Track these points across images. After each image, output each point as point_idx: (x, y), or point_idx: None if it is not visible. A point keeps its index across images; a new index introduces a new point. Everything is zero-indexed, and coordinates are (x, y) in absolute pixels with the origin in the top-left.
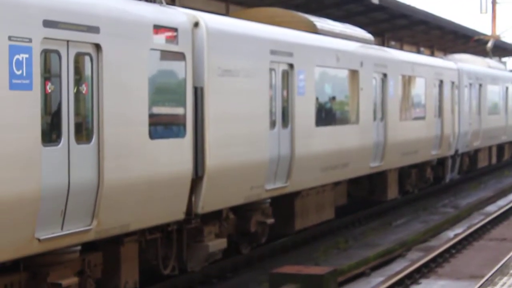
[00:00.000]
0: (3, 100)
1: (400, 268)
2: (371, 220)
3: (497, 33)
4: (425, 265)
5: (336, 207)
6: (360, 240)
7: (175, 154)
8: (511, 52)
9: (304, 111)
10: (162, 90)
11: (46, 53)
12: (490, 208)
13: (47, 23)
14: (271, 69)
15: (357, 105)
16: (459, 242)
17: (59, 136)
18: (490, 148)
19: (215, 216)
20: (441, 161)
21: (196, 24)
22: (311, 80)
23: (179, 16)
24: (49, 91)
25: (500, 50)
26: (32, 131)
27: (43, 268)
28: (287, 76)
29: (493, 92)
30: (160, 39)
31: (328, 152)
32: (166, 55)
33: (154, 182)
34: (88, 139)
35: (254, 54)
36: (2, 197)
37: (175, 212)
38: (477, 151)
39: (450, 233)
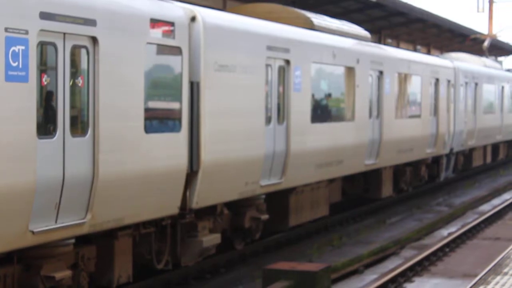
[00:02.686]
0: None
1: (393, 266)
2: (365, 217)
3: (494, 32)
4: (419, 263)
5: (330, 204)
6: (354, 238)
7: (170, 148)
8: (507, 52)
9: (300, 107)
10: (158, 84)
11: (42, 45)
12: (484, 207)
13: (44, 15)
14: (267, 65)
15: (353, 102)
16: (453, 240)
17: (54, 129)
18: (485, 147)
19: (209, 211)
20: (436, 160)
21: (193, 19)
22: (307, 76)
23: (176, 10)
24: (45, 83)
25: (497, 49)
26: (28, 123)
27: (37, 261)
28: (283, 72)
29: (489, 91)
30: (156, 33)
31: (323, 149)
32: (162, 49)
33: (149, 176)
34: (83, 132)
35: (250, 50)
36: None
37: (170, 206)
38: (472, 150)
39: (444, 232)
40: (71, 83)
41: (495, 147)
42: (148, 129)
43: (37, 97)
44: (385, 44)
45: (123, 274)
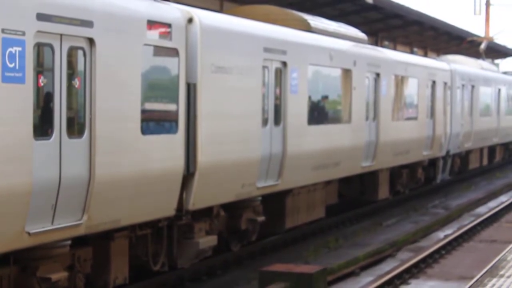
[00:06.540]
0: None
1: (389, 268)
2: (361, 219)
3: (490, 35)
4: (415, 265)
5: (327, 206)
6: (350, 240)
7: (167, 150)
8: (504, 54)
9: (297, 109)
10: (155, 86)
11: (39, 47)
12: (481, 209)
13: (41, 17)
14: (264, 67)
15: (349, 105)
16: (449, 243)
17: (51, 130)
18: (481, 149)
19: (206, 213)
20: (433, 162)
21: (190, 20)
22: (304, 78)
23: (173, 12)
24: (42, 84)
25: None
26: (24, 124)
27: (33, 262)
28: (280, 74)
29: (485, 94)
30: (153, 35)
31: (320, 151)
32: (159, 50)
33: (145, 178)
34: (80, 134)
35: (247, 52)
36: None
37: (166, 208)
38: (468, 152)
39: (440, 234)
40: (67, 84)
41: (492, 149)
42: (144, 131)
43: (34, 98)
44: (382, 46)
45: (119, 276)
